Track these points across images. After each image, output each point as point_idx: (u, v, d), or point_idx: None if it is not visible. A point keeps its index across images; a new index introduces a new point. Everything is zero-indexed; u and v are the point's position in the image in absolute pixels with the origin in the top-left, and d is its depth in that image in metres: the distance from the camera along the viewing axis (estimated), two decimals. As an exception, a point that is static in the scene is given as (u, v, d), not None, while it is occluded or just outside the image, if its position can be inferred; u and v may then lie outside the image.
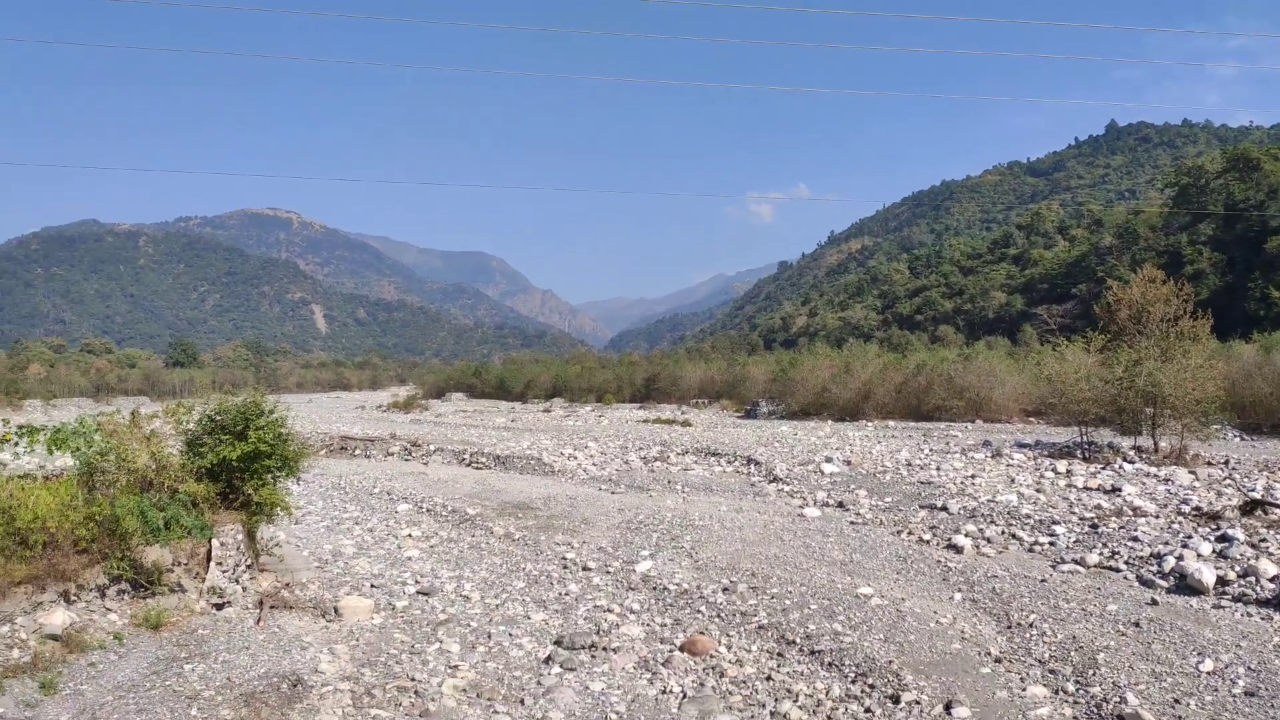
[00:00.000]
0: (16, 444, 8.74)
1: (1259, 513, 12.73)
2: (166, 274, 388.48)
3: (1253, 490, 14.61)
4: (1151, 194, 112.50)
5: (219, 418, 9.73)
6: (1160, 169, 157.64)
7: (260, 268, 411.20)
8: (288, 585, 9.91)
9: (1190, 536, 11.16)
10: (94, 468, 8.71)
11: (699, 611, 9.31)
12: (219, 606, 8.51)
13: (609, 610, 9.43)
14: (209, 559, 8.79)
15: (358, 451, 27.54)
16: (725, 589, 10.02)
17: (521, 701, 6.96)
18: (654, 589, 10.17)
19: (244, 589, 8.94)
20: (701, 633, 8.58)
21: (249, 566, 9.29)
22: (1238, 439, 23.81)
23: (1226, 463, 18.55)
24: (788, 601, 9.42)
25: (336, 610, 9.04)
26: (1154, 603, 8.94)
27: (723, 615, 9.14)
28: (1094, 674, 7.08)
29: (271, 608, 8.78)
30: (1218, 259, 65.45)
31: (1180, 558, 10.07)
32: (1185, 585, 9.33)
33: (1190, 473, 16.93)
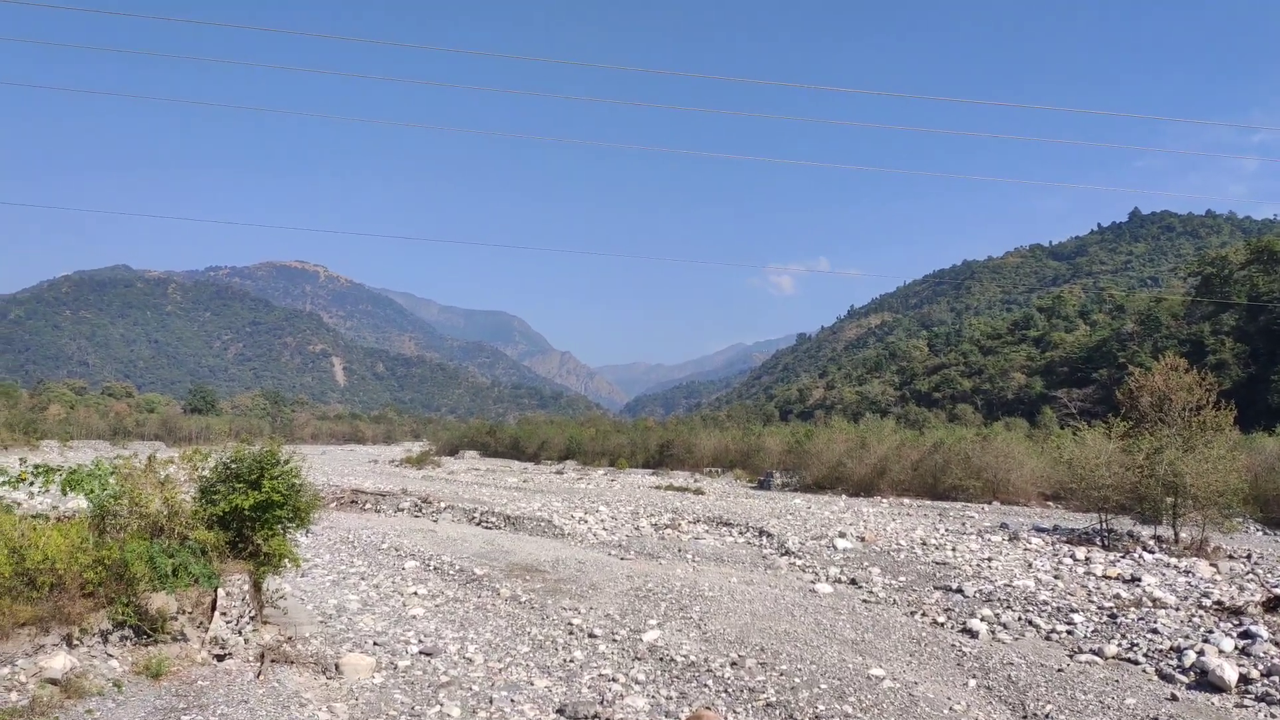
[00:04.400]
0: (32, 484, 8.78)
1: (1283, 610, 12.41)
2: (192, 321, 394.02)
3: (1277, 586, 14.27)
4: (1174, 282, 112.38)
5: (234, 465, 9.77)
6: (1183, 258, 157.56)
7: (284, 319, 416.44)
8: (290, 639, 9.80)
9: (1212, 631, 10.89)
10: (106, 510, 8.73)
11: (705, 685, 9.12)
12: (220, 658, 8.42)
13: (614, 680, 9.26)
14: (214, 608, 8.73)
15: (368, 505, 27.45)
16: (733, 663, 9.82)
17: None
18: (660, 660, 9.99)
19: (246, 641, 8.86)
20: (708, 708, 8.39)
21: (253, 618, 9.21)
22: (1260, 533, 23.33)
23: (1249, 557, 18.14)
24: (797, 679, 9.22)
25: (338, 667, 8.93)
26: (1174, 698, 8.69)
27: (730, 690, 8.95)
28: (1111, 771, 6.85)
29: (273, 661, 8.68)
30: (1241, 350, 65.02)
31: (1201, 653, 9.81)
32: (1206, 682, 9.08)
33: (1211, 565, 16.57)
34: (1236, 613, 12.13)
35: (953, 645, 10.77)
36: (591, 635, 11.07)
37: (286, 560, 9.81)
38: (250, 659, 8.61)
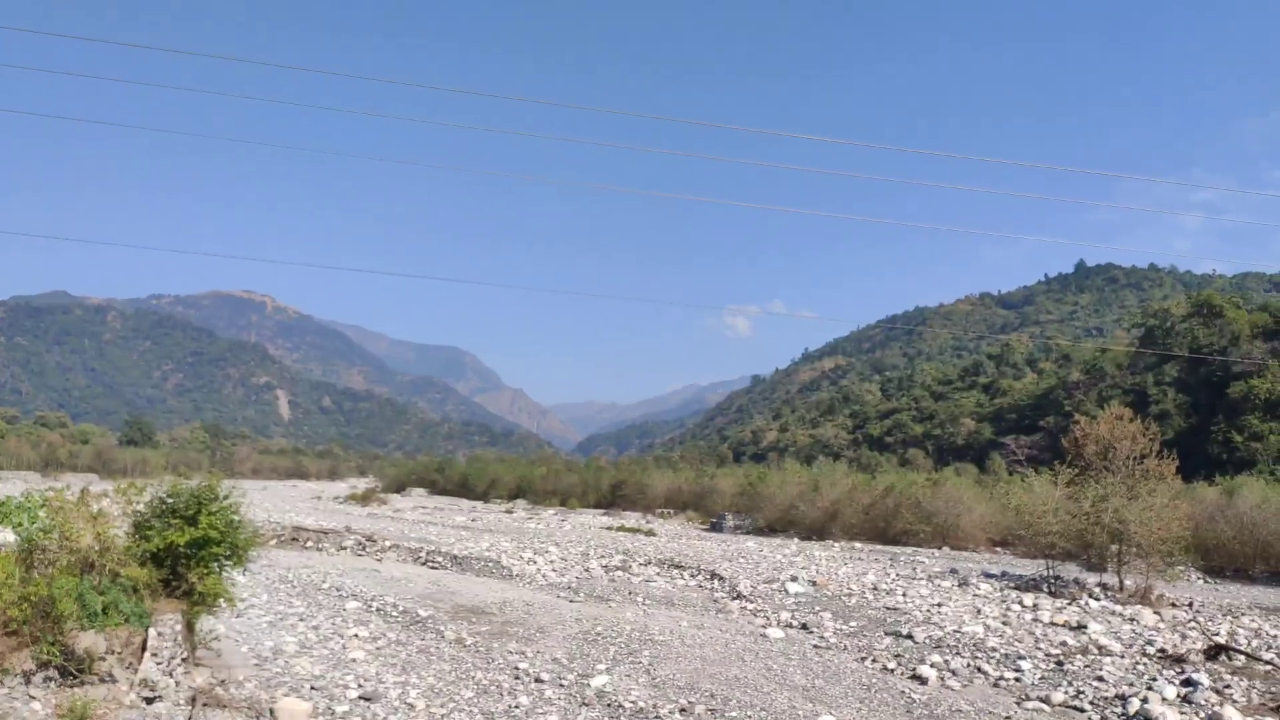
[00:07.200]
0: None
1: (1224, 658, 12.61)
2: (131, 350, 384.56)
3: (1217, 635, 14.50)
4: (1118, 333, 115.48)
5: (171, 500, 9.45)
6: (1127, 309, 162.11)
7: (228, 349, 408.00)
8: (223, 682, 9.43)
9: (1155, 679, 10.99)
10: (35, 545, 8.37)
11: (654, 733, 8.93)
12: (149, 700, 8.05)
13: (561, 727, 9.03)
14: (144, 649, 8.37)
15: (309, 544, 26.78)
16: (683, 710, 9.65)
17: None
18: (609, 706, 9.77)
19: (177, 683, 8.48)
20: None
21: (184, 659, 8.84)
22: (1201, 581, 23.79)
23: (1191, 605, 18.46)
24: (747, 727, 9.07)
25: (272, 712, 8.59)
26: (1122, 748, 8.70)
27: (679, 738, 8.76)
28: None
29: (204, 705, 8.33)
30: (1182, 401, 66.73)
31: (1145, 700, 9.88)
32: (1152, 730, 9.12)
33: (1155, 613, 16.81)
34: (1179, 660, 12.28)
35: (902, 692, 10.72)
36: (538, 680, 10.81)
37: (222, 600, 9.48)
38: (180, 702, 8.24)
